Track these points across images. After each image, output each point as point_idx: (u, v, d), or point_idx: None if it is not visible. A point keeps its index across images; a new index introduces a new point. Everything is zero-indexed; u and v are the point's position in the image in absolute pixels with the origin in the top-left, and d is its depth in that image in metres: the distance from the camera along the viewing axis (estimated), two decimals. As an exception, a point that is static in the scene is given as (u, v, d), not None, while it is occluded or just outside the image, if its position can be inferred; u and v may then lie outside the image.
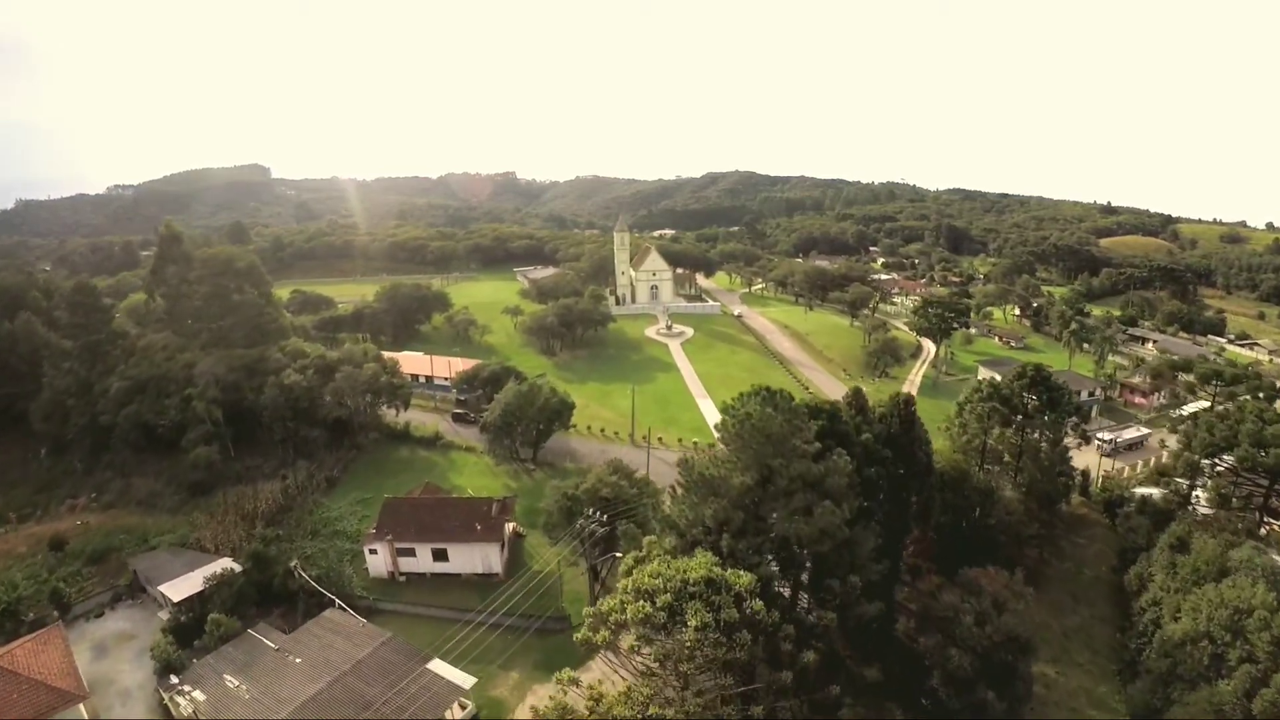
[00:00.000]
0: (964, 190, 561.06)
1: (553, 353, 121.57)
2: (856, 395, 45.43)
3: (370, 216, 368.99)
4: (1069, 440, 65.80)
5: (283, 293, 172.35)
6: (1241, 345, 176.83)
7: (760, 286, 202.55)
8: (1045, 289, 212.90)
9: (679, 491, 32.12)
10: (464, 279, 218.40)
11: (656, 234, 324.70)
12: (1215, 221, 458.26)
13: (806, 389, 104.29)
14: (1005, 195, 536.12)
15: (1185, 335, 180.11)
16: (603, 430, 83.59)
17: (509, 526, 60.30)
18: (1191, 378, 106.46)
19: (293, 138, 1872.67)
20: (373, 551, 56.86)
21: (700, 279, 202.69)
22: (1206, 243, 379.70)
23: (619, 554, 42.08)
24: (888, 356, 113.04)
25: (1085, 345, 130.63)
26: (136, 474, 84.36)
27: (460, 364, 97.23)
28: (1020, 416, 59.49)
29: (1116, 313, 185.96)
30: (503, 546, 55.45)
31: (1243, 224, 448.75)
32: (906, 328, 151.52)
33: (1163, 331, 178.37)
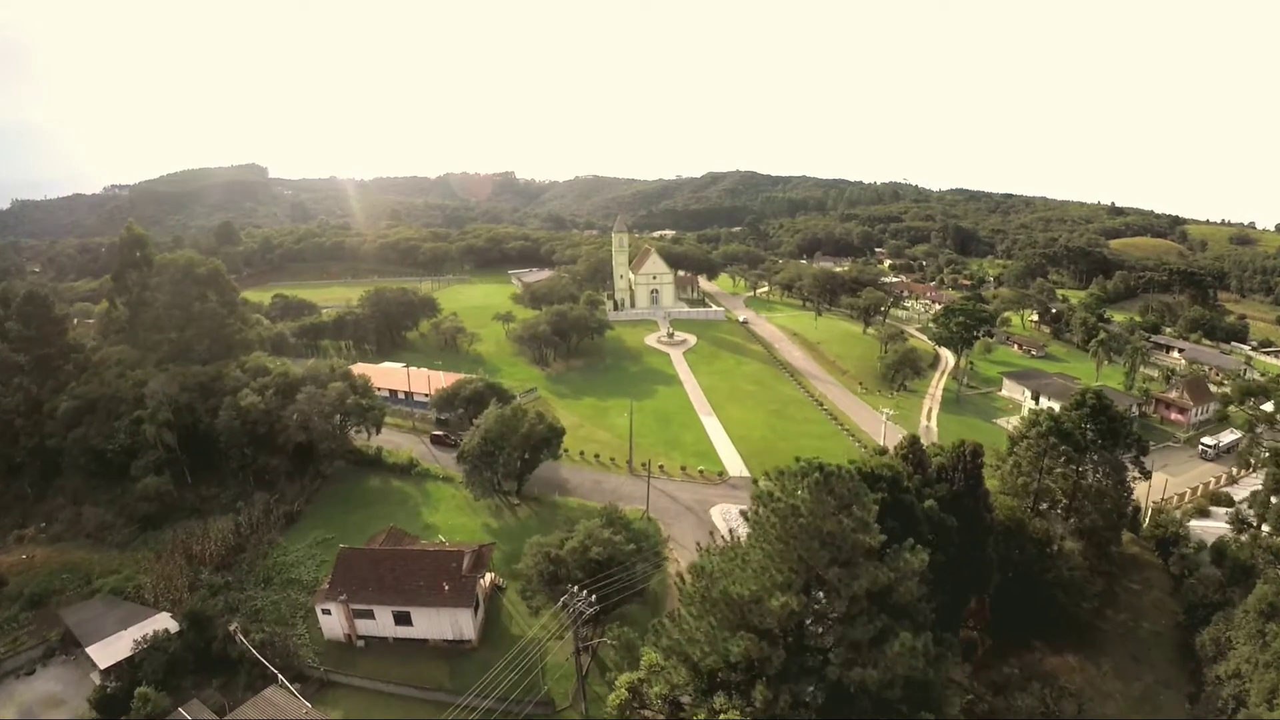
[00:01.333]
0: (967, 190, 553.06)
1: (546, 363, 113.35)
2: (914, 448, 37.49)
3: (367, 216, 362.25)
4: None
5: (264, 297, 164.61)
6: (1268, 354, 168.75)
7: (765, 290, 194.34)
8: (1059, 293, 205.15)
9: (691, 601, 23.88)
10: (457, 281, 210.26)
11: (656, 234, 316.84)
12: (1224, 222, 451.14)
13: (821, 405, 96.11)
14: (1010, 195, 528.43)
15: (1208, 342, 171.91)
16: (597, 456, 75.25)
17: (486, 578, 52.25)
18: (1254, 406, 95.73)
19: (291, 138, 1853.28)
20: (326, 612, 48.77)
21: (703, 282, 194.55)
22: (1215, 244, 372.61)
23: (612, 641, 34.15)
24: (907, 369, 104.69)
25: (1115, 357, 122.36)
26: (88, 502, 77.27)
27: (441, 379, 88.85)
28: (1079, 452, 51.34)
29: (1136, 318, 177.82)
30: (476, 608, 47.33)
31: (1251, 225, 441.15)
32: (920, 334, 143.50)
33: (1185, 338, 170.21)
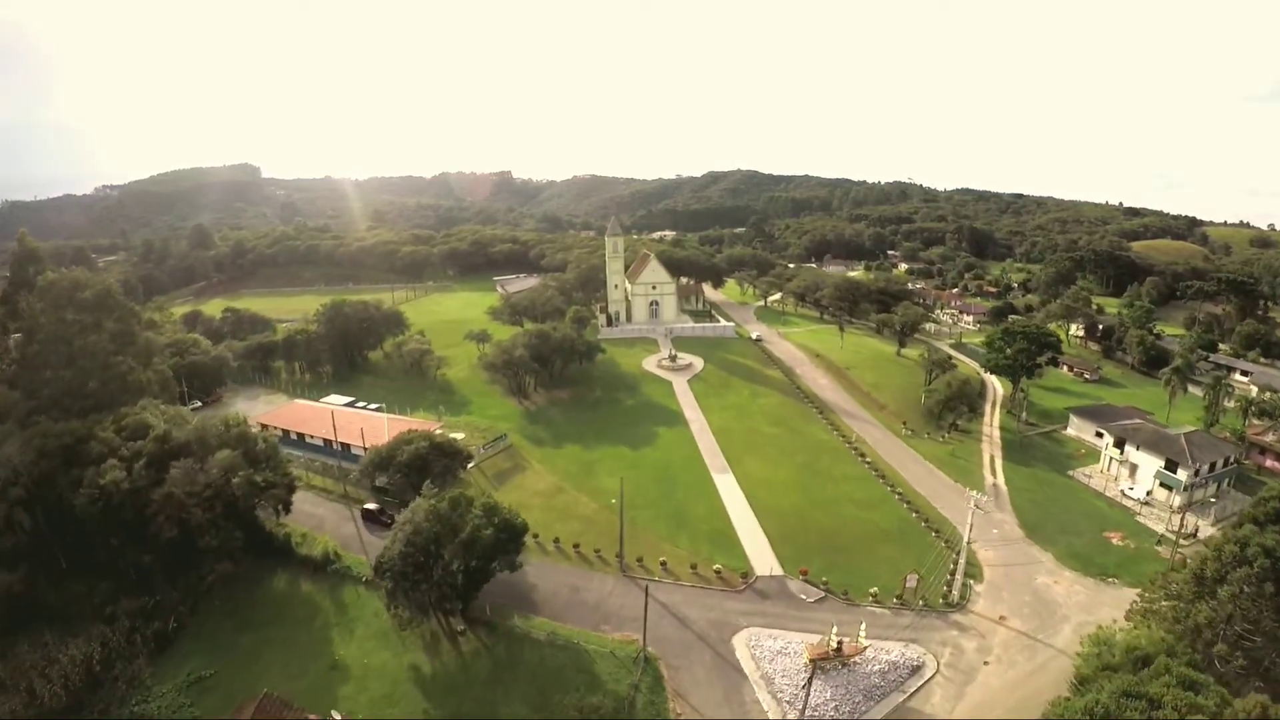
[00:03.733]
0: (974, 190, 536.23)
1: (524, 394, 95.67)
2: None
3: (358, 217, 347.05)
4: None
5: (215, 309, 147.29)
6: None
7: (777, 299, 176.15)
8: (1094, 301, 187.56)
9: None
10: (437, 289, 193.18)
11: (656, 235, 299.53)
12: (1241, 224, 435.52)
13: (861, 455, 78.09)
14: (1020, 195, 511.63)
15: (1264, 361, 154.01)
16: (577, 547, 57.22)
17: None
18: None
19: (286, 138, 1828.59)
20: None
21: (708, 290, 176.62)
22: (1238, 248, 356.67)
23: None
24: (962, 406, 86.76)
25: (1192, 387, 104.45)
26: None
27: (383, 426, 70.60)
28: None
29: (1185, 333, 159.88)
30: None
31: (1272, 227, 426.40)
32: (955, 351, 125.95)
33: (1242, 356, 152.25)
